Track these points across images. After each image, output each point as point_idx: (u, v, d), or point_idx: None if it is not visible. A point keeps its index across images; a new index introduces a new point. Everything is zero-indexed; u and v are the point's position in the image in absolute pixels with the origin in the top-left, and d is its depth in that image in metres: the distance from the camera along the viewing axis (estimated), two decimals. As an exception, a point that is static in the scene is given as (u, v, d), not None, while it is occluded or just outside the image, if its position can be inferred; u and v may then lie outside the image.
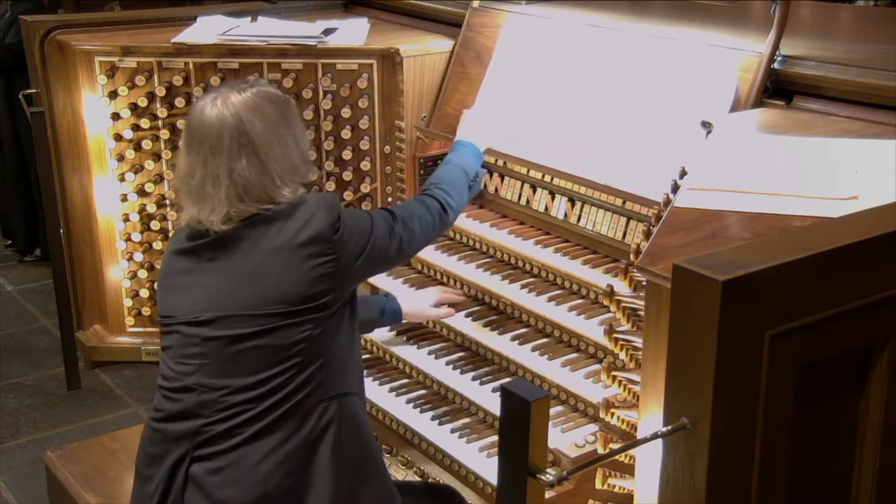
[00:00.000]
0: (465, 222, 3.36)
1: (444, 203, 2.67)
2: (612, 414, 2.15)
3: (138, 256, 3.94)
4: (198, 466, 2.23)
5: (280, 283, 2.20)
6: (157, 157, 3.80)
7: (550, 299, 2.96)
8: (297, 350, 2.21)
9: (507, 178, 3.38)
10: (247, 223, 2.24)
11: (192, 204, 2.25)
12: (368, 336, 3.16)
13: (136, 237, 3.92)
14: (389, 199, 3.61)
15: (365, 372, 3.00)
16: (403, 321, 3.05)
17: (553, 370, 2.78)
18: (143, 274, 3.96)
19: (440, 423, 2.81)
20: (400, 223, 2.48)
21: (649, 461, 1.71)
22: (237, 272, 2.23)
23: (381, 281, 3.34)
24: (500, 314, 3.07)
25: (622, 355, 2.16)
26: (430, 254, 3.33)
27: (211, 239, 2.25)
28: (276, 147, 2.26)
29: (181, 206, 2.32)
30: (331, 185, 3.64)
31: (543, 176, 3.24)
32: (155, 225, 3.89)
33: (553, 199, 3.22)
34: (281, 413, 2.22)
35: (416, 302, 3.04)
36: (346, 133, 3.57)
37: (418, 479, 2.78)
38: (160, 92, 3.69)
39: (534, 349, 2.87)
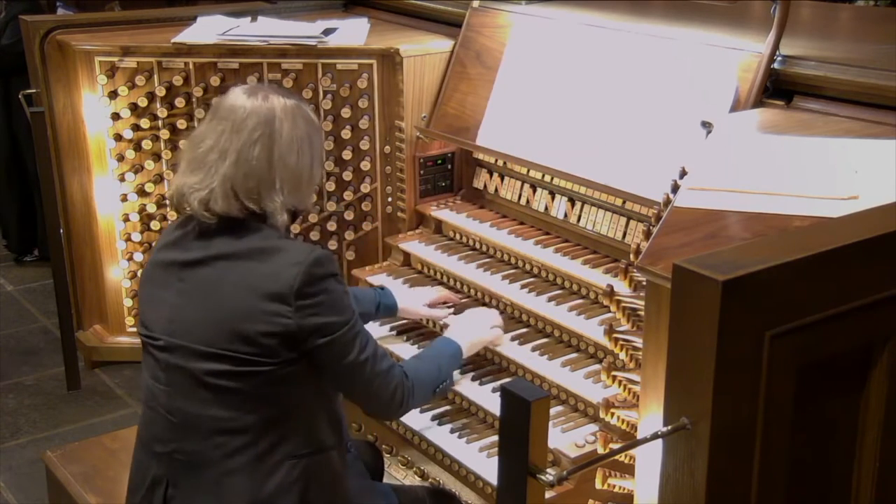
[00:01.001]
0: (465, 222, 3.36)
1: (408, 398, 2.38)
2: (612, 414, 2.15)
3: (138, 256, 3.94)
4: (173, 491, 2.23)
5: (234, 324, 2.13)
6: (157, 157, 3.80)
7: (550, 299, 2.97)
8: (254, 396, 2.16)
9: (507, 178, 3.38)
10: (223, 254, 2.17)
11: (188, 170, 2.20)
12: (368, 336, 3.16)
13: (136, 237, 3.92)
14: (389, 199, 3.61)
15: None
16: (398, 317, 3.05)
17: (553, 370, 2.78)
18: (143, 274, 3.96)
19: (440, 423, 2.81)
20: (376, 349, 2.29)
21: (649, 461, 1.71)
22: (199, 302, 2.18)
23: (380, 279, 3.34)
24: (499, 314, 3.07)
25: (622, 355, 2.16)
26: (430, 254, 3.33)
27: (186, 260, 2.21)
28: (291, 156, 2.22)
29: (177, 171, 2.27)
30: (331, 185, 3.64)
31: (543, 176, 3.24)
32: (155, 225, 3.89)
33: (553, 199, 3.22)
34: (244, 462, 2.17)
35: (413, 299, 3.02)
36: (346, 133, 3.57)
37: (418, 478, 2.78)
38: (160, 92, 3.69)
39: (534, 349, 2.87)
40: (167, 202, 3.84)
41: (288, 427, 2.20)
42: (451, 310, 3.06)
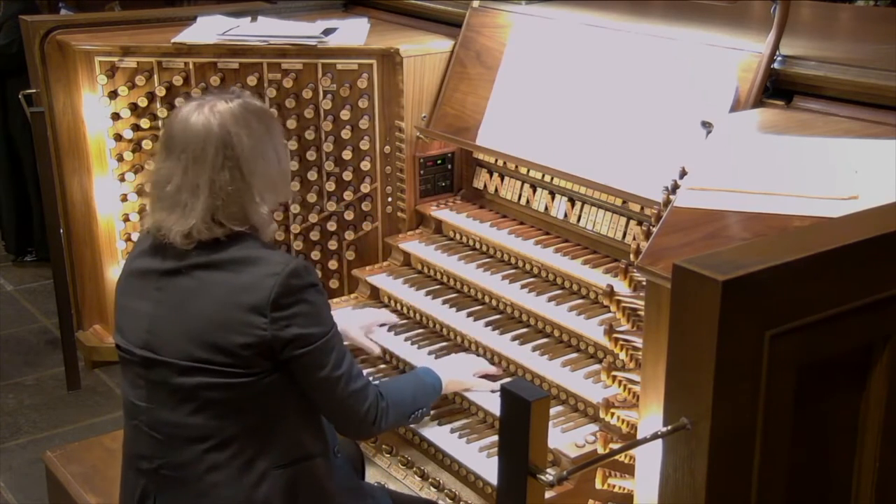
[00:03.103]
0: (465, 222, 3.36)
1: (381, 419, 2.36)
2: (612, 414, 2.15)
3: (138, 256, 3.93)
4: None
5: (211, 335, 2.12)
6: (157, 157, 3.80)
7: (550, 299, 2.97)
8: (236, 407, 2.15)
9: (507, 178, 3.38)
10: (201, 263, 2.16)
11: (161, 209, 2.17)
12: (369, 336, 3.17)
13: (136, 237, 3.91)
14: (389, 199, 3.61)
15: (366, 372, 3.00)
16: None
17: (553, 370, 2.78)
18: (143, 274, 3.95)
19: (440, 424, 2.81)
20: (352, 366, 2.28)
21: (649, 461, 1.71)
22: (177, 311, 2.17)
23: (380, 279, 3.34)
24: (500, 314, 3.07)
25: (622, 355, 2.16)
26: (430, 254, 3.33)
27: (164, 269, 2.20)
28: (259, 163, 2.19)
29: (149, 209, 2.25)
30: (331, 185, 3.64)
31: (543, 176, 3.25)
32: (155, 225, 3.88)
33: (553, 199, 3.22)
34: (229, 473, 2.17)
35: (349, 320, 3.00)
36: (346, 133, 3.57)
37: (418, 478, 2.78)
38: (160, 92, 3.69)
39: (534, 349, 2.87)
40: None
41: (271, 437, 2.19)
42: (378, 349, 3.04)
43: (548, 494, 2.22)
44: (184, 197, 2.14)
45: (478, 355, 2.97)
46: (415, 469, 2.80)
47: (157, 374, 2.19)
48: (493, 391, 2.81)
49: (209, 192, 2.13)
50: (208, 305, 2.14)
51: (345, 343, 2.95)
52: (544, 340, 2.92)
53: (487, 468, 2.63)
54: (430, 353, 3.03)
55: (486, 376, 2.85)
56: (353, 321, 3.02)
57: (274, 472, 2.19)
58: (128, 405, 2.28)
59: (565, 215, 3.18)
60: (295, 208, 3.65)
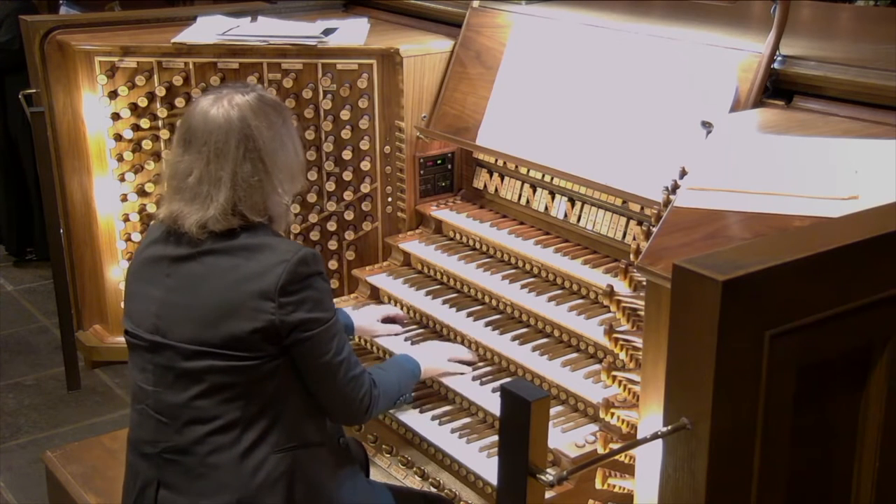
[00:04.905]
0: (465, 222, 3.36)
1: (373, 406, 2.40)
2: (612, 414, 2.15)
3: (138, 256, 3.93)
4: (164, 492, 2.24)
5: (219, 319, 2.15)
6: (157, 157, 3.80)
7: (550, 299, 2.97)
8: (240, 391, 2.18)
9: (507, 178, 3.38)
10: (211, 249, 2.19)
11: (180, 200, 2.21)
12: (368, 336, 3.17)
13: (136, 237, 3.92)
14: (389, 199, 3.61)
15: (365, 372, 3.01)
16: (353, 336, 3.05)
17: (553, 370, 2.78)
18: (143, 274, 3.94)
19: (440, 424, 2.81)
20: (351, 353, 2.31)
21: (649, 461, 1.71)
22: (186, 296, 2.20)
23: (380, 279, 3.34)
24: (500, 314, 3.07)
25: (622, 355, 2.16)
26: (430, 254, 3.33)
27: (175, 256, 2.23)
28: (279, 154, 2.24)
29: (165, 200, 2.28)
30: (331, 185, 3.64)
31: (543, 176, 3.25)
32: (155, 225, 3.88)
33: (553, 199, 3.22)
34: (231, 457, 2.19)
35: (366, 317, 3.06)
36: (346, 133, 3.57)
37: (419, 478, 2.78)
38: (160, 92, 3.69)
39: (534, 349, 2.87)
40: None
41: (274, 421, 2.22)
42: (401, 327, 3.11)
43: (548, 494, 2.22)
44: (205, 188, 2.19)
45: (480, 355, 2.98)
46: (415, 469, 2.80)
47: (164, 359, 2.22)
48: (464, 373, 2.88)
49: (231, 184, 2.18)
50: (217, 291, 2.18)
51: (368, 333, 3.03)
52: (544, 340, 2.92)
53: (487, 468, 2.63)
54: (430, 353, 3.03)
55: (463, 362, 2.90)
56: (369, 315, 3.09)
57: (275, 456, 2.22)
58: (135, 389, 2.31)
59: (565, 215, 3.18)
60: (295, 208, 3.65)
